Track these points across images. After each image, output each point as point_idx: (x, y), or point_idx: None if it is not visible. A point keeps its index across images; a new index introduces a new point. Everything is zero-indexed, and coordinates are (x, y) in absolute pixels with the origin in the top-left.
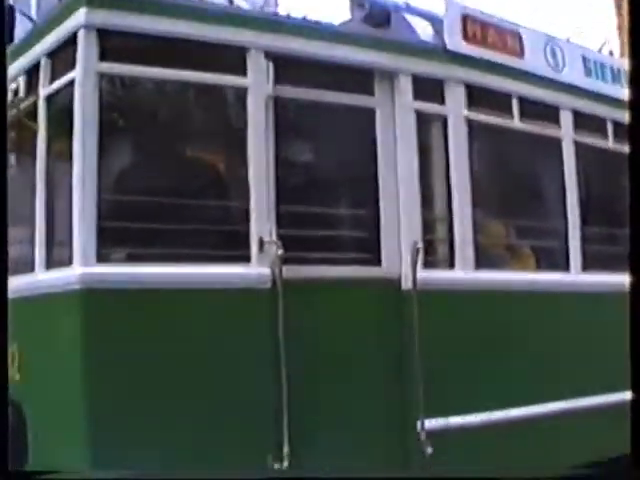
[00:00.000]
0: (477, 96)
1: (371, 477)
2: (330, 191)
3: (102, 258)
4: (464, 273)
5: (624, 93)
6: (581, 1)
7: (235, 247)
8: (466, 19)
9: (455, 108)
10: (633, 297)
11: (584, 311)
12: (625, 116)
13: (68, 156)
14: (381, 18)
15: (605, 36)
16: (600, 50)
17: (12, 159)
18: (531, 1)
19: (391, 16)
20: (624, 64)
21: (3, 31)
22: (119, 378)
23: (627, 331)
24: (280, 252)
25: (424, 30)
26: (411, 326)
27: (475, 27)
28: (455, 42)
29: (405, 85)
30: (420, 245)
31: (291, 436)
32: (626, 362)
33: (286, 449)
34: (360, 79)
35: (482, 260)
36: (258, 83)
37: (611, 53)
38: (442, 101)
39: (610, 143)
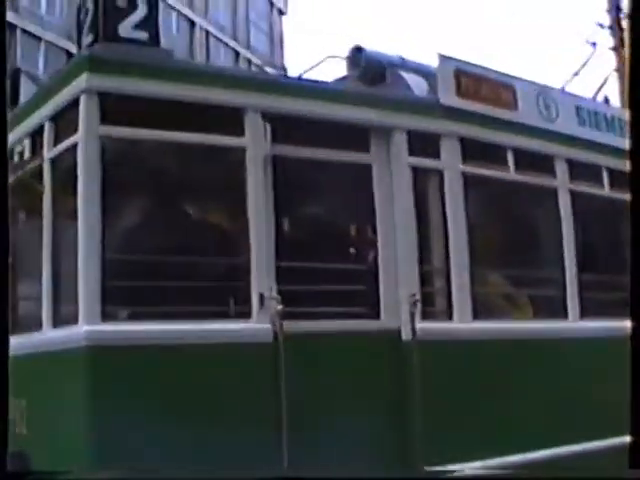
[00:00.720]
0: (472, 149)
1: (372, 477)
2: (329, 246)
3: (107, 316)
4: (462, 323)
5: (618, 141)
6: (578, 44)
7: (236, 303)
8: (459, 74)
9: (450, 162)
10: (633, 307)
11: (583, 357)
12: (621, 164)
13: (73, 216)
14: (376, 75)
15: (602, 80)
16: (595, 97)
17: (20, 220)
18: (529, 47)
19: (386, 73)
20: (619, 111)
21: (3, 29)
22: (124, 433)
23: (626, 375)
24: (280, 307)
25: (418, 86)
26: (411, 376)
27: (468, 81)
28: (449, 97)
29: (400, 141)
30: (418, 297)
31: None
32: (625, 407)
33: None
34: (356, 136)
35: (480, 310)
36: (255, 143)
37: (606, 100)
38: (437, 155)
39: (606, 190)
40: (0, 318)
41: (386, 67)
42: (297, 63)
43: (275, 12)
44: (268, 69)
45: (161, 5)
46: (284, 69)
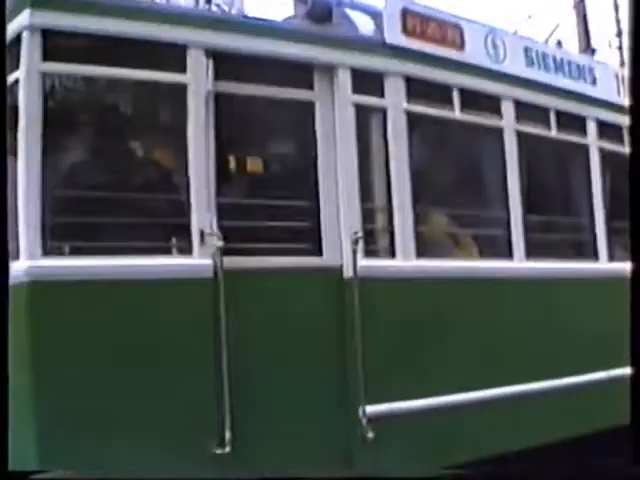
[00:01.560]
0: (417, 88)
1: (372, 477)
2: (271, 183)
3: (48, 252)
4: (405, 262)
5: (567, 83)
6: None
7: (178, 240)
8: (406, 13)
9: (394, 101)
10: (633, 294)
11: (527, 298)
12: (569, 106)
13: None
14: (323, 14)
15: (554, 25)
16: (547, 41)
17: None
18: None
19: (332, 12)
20: (570, 55)
21: (3, 29)
22: (64, 367)
23: (572, 315)
24: (220, 243)
25: (365, 25)
26: (352, 314)
27: (415, 21)
28: (394, 36)
29: (344, 79)
30: (360, 235)
31: (233, 422)
32: (567, 349)
33: (228, 434)
34: (300, 74)
35: (423, 249)
36: (197, 79)
37: (559, 43)
38: (382, 94)
39: (553, 132)
40: (0, 320)
41: (333, 6)
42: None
43: None
44: (227, 9)
45: None
46: (243, 9)
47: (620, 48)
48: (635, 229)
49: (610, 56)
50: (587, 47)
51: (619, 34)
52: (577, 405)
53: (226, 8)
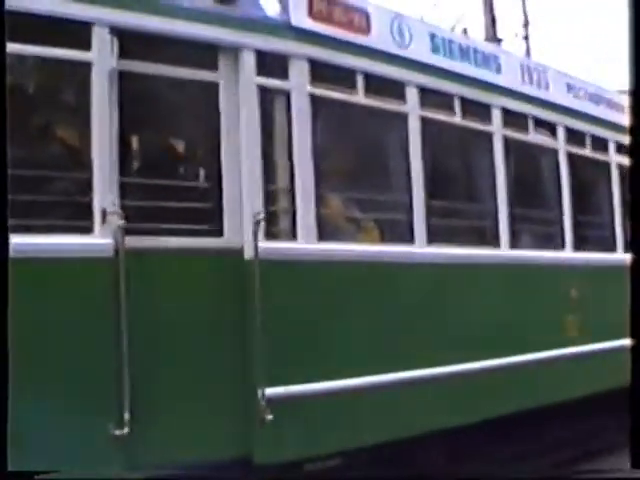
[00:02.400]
0: (321, 72)
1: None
2: (173, 163)
3: None
4: (306, 244)
5: (472, 70)
6: None
7: (80, 218)
8: None
9: (298, 83)
10: (633, 289)
11: (426, 283)
12: (473, 93)
13: None
14: None
15: (460, 14)
16: (453, 28)
17: None
18: None
19: None
20: (475, 42)
21: (3, 30)
22: None
23: (469, 300)
24: (122, 222)
25: (270, 6)
26: (253, 296)
27: (321, 4)
28: (300, 18)
29: (248, 60)
30: (262, 216)
31: (133, 403)
32: (467, 330)
33: (127, 416)
34: (204, 54)
35: (326, 232)
36: (102, 57)
37: (465, 31)
38: (286, 76)
39: (457, 119)
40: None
41: None
42: None
43: None
44: None
45: None
46: None
47: (526, 38)
48: (635, 225)
49: (516, 46)
50: (493, 37)
51: (525, 24)
52: (472, 392)
53: None
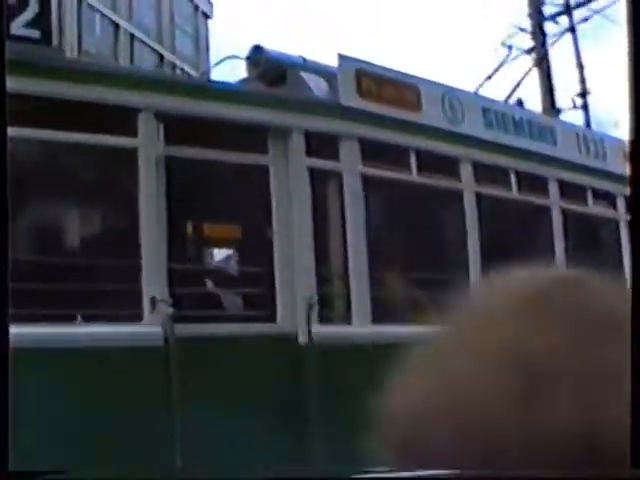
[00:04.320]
0: (373, 151)
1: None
2: (226, 248)
3: None
4: (360, 327)
5: (527, 143)
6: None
7: (129, 306)
8: (360, 74)
9: (350, 164)
10: (635, 298)
11: None
12: (530, 166)
13: None
14: (276, 75)
15: (514, 83)
16: (507, 100)
17: None
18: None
19: (287, 73)
20: (530, 114)
21: (3, 30)
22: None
23: None
24: (171, 310)
25: (319, 86)
26: (309, 380)
27: (370, 82)
28: (349, 97)
29: (298, 142)
30: (315, 300)
31: None
32: None
33: None
34: (253, 137)
35: (380, 314)
36: (148, 143)
37: (520, 102)
38: (337, 157)
39: (514, 193)
40: (0, 318)
41: (286, 68)
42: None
43: (200, 15)
44: (192, 72)
45: (83, 5)
46: (208, 72)
47: (585, 107)
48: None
49: (576, 115)
50: (551, 106)
51: (583, 94)
52: None
53: (192, 72)
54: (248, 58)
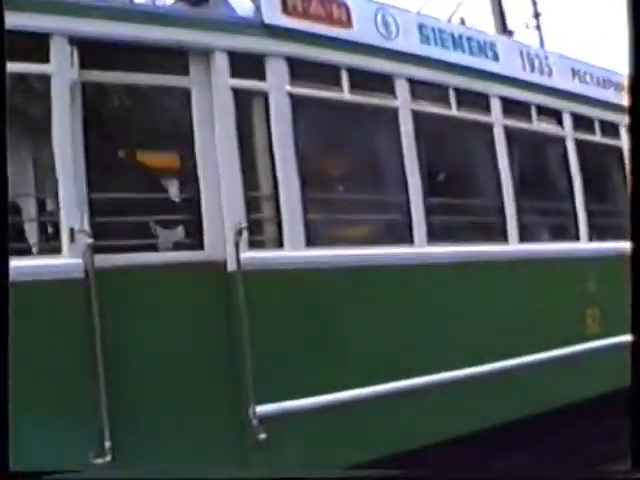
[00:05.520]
0: (302, 70)
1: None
2: (146, 176)
3: None
4: (293, 251)
5: (467, 59)
6: None
7: (47, 239)
8: None
9: (276, 83)
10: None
11: (431, 283)
12: (468, 83)
13: None
14: None
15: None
16: (450, 18)
17: None
18: None
19: None
20: (472, 31)
21: (3, 29)
22: None
23: (478, 300)
24: (90, 241)
25: (242, 6)
26: (238, 309)
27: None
28: (273, 15)
29: (221, 63)
30: (244, 225)
31: (113, 430)
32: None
33: (108, 444)
34: (173, 59)
35: (315, 237)
36: (62, 69)
37: (462, 21)
38: (262, 77)
39: (453, 111)
40: (0, 317)
41: None
42: None
43: None
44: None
45: None
46: None
47: (538, 28)
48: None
49: (529, 38)
50: (503, 29)
51: (536, 15)
52: (485, 397)
53: None
54: None
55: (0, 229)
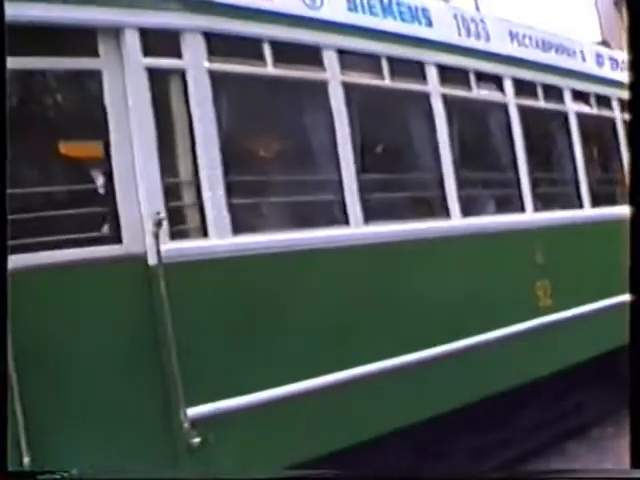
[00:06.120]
0: (220, 45)
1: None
2: (52, 166)
3: None
4: (219, 240)
5: (398, 26)
6: None
7: None
8: None
9: (194, 60)
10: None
11: (367, 265)
12: (402, 51)
13: None
14: None
15: None
16: None
17: None
18: None
19: None
20: None
21: (3, 29)
22: None
23: (421, 280)
24: None
25: None
26: (161, 306)
27: None
28: None
29: (132, 41)
30: (163, 215)
31: (31, 439)
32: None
33: (26, 457)
34: (80, 40)
35: (241, 225)
36: None
37: None
38: (179, 55)
39: (387, 81)
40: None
41: None
42: None
43: None
44: None
45: None
46: None
47: None
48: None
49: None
50: None
51: None
52: (438, 381)
53: None
54: None
55: (0, 231)
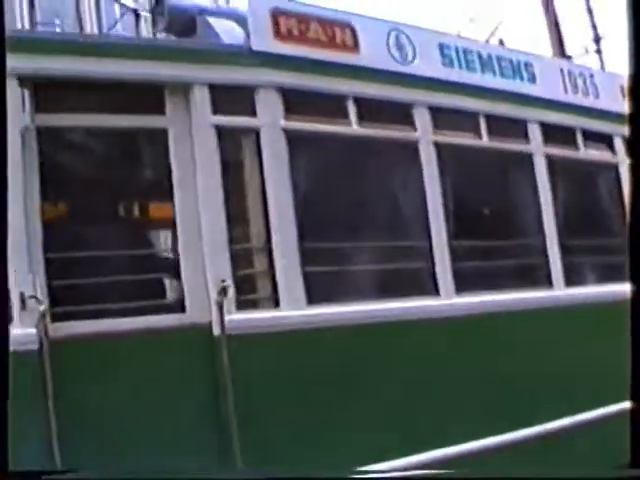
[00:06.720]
0: (299, 102)
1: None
2: (115, 231)
3: None
4: (292, 310)
5: (498, 82)
6: None
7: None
8: (277, 13)
9: (268, 118)
10: (634, 307)
11: (461, 339)
12: (498, 108)
13: None
14: (184, 25)
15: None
16: (488, 39)
17: None
18: None
19: (196, 22)
20: (505, 51)
21: (3, 29)
22: None
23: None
24: (43, 307)
25: (231, 33)
26: (223, 377)
27: (290, 22)
28: (262, 41)
29: (201, 98)
30: (228, 282)
31: None
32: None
33: None
34: (146, 97)
35: (317, 295)
36: (12, 114)
37: (501, 42)
38: (252, 112)
39: (484, 139)
40: (0, 318)
41: (194, 15)
42: None
43: None
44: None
45: None
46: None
47: (599, 52)
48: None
49: (588, 61)
50: (561, 54)
51: (596, 39)
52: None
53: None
54: (152, 11)
55: (0, 230)
